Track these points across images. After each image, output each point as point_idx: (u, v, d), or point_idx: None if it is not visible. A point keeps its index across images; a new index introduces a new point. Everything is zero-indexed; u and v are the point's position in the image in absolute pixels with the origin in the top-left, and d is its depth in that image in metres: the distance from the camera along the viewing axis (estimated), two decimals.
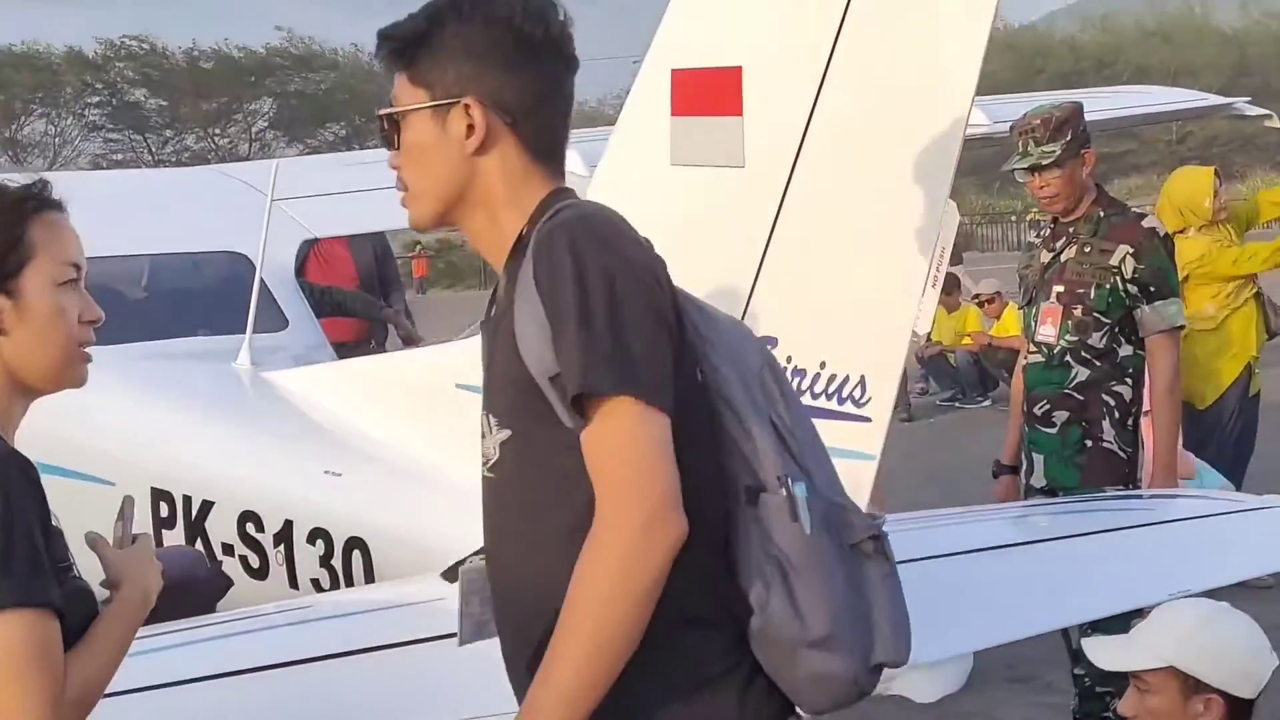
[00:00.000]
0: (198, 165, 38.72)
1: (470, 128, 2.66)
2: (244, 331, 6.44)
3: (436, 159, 2.69)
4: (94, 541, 2.89)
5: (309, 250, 9.36)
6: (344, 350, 8.74)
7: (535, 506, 2.64)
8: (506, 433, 2.67)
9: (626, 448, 2.46)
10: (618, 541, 2.42)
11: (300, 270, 9.30)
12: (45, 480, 6.55)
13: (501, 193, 2.69)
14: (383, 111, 2.73)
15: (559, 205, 2.65)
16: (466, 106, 2.65)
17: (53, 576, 2.59)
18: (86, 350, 2.84)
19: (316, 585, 5.23)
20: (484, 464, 2.76)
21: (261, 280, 6.61)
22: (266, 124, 48.28)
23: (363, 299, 9.50)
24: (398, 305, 10.65)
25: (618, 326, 2.48)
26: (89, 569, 2.81)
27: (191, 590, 4.61)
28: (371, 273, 10.36)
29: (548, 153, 2.74)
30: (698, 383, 2.61)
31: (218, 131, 47.24)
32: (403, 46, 2.70)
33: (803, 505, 2.57)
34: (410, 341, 9.76)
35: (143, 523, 5.78)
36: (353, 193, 8.00)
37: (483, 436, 2.75)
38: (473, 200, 2.70)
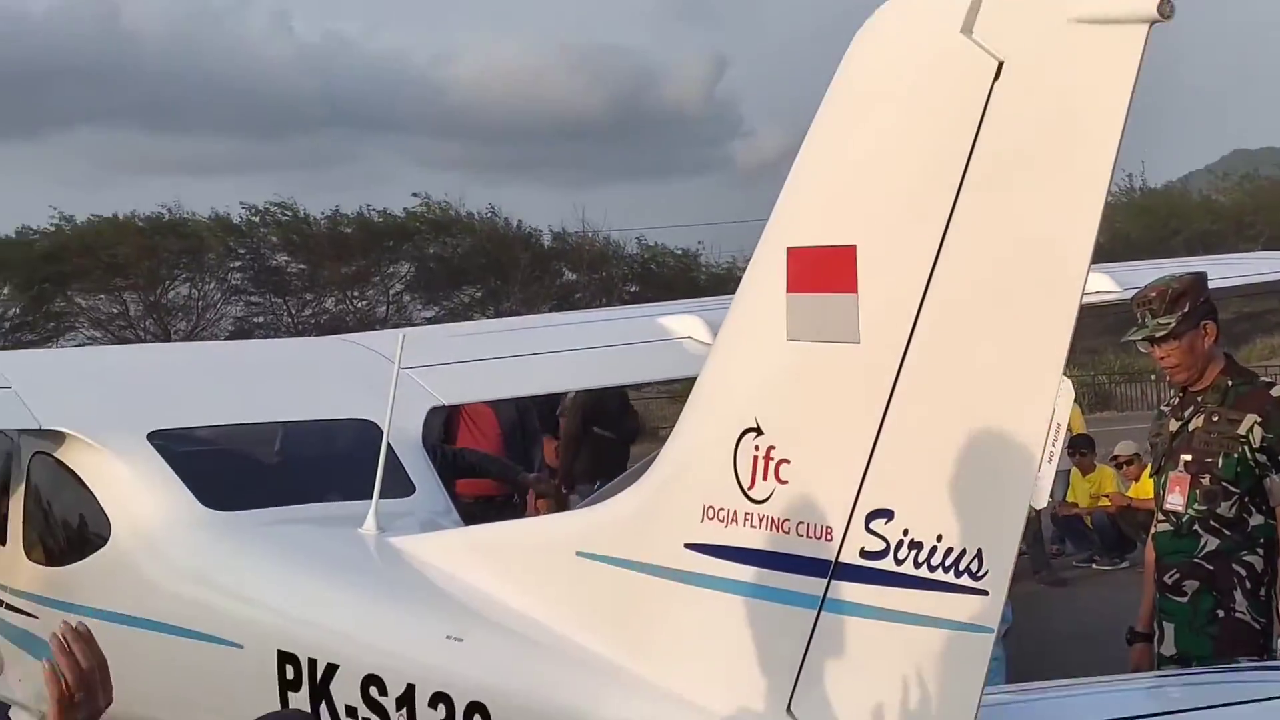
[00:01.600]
0: (336, 327, 39.42)
1: None
2: (371, 497, 6.53)
3: None
4: None
5: (454, 411, 9.54)
6: (485, 505, 8.86)
7: None
8: None
9: None
10: None
11: (447, 431, 9.47)
12: (175, 642, 6.67)
13: None
14: None
15: None
16: None
17: None
18: None
19: None
20: None
21: (389, 447, 6.71)
22: (404, 287, 48.99)
23: (499, 462, 9.63)
24: (539, 465, 10.81)
25: None
26: None
27: None
28: (515, 433, 10.54)
29: None
30: None
31: (356, 294, 48.01)
32: None
33: None
34: (549, 500, 9.89)
35: (268, 686, 5.86)
36: (478, 360, 8.13)
37: None
38: None
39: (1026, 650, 8.33)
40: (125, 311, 44.36)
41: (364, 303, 47.21)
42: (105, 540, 6.80)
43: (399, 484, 6.86)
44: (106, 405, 7.28)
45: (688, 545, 4.59)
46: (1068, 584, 14.88)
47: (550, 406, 11.85)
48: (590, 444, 11.05)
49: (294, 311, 46.48)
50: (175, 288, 46.24)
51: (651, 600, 4.75)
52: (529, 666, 5.12)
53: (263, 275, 47.24)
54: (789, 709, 4.27)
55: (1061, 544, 16.42)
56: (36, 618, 7.21)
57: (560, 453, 11.50)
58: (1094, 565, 15.86)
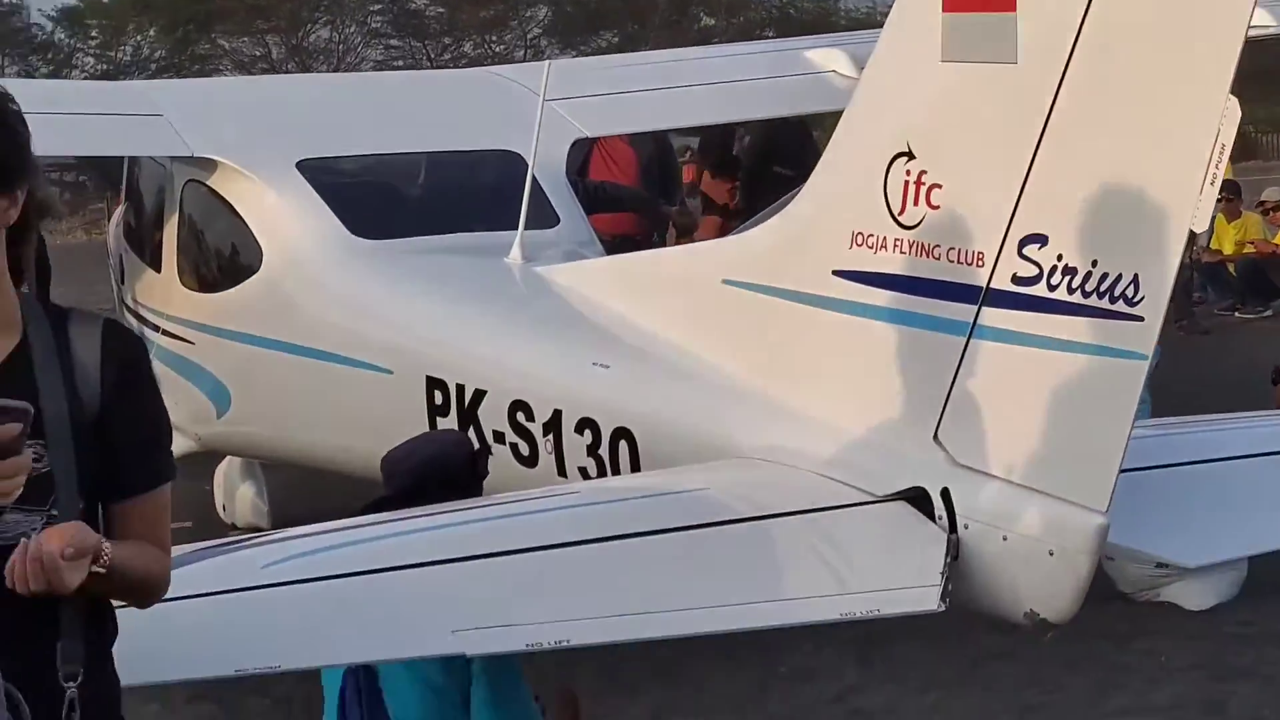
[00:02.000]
0: None
1: None
2: (516, 228, 6.56)
3: None
4: None
5: (591, 146, 9.49)
6: (624, 243, 8.88)
7: None
8: None
9: None
10: None
11: (583, 166, 9.44)
12: (325, 368, 6.80)
13: None
14: None
15: None
16: None
17: None
18: None
19: (584, 474, 5.35)
20: None
21: (533, 178, 6.71)
22: (541, 31, 48.53)
23: (639, 195, 9.58)
24: (678, 200, 10.73)
25: None
26: None
27: (449, 472, 4.71)
28: (653, 168, 10.45)
29: None
30: None
31: (494, 38, 47.64)
32: None
33: None
34: (688, 236, 9.84)
35: (417, 410, 5.98)
36: (624, 93, 8.08)
37: None
38: None
39: (1169, 397, 8.28)
40: (267, 54, 44.49)
41: (502, 47, 46.86)
42: (256, 267, 6.91)
43: (543, 215, 6.88)
44: (257, 134, 7.33)
45: (835, 272, 4.58)
46: (1210, 332, 14.70)
47: (725, 147, 11.69)
48: (770, 182, 10.91)
49: (433, 55, 46.31)
50: (316, 31, 46.20)
51: (798, 327, 4.76)
52: (675, 393, 5.17)
53: (402, 18, 46.99)
54: (935, 436, 4.28)
55: (1204, 292, 16.17)
56: (191, 343, 7.38)
57: (741, 193, 11.37)
58: (1236, 314, 15.65)
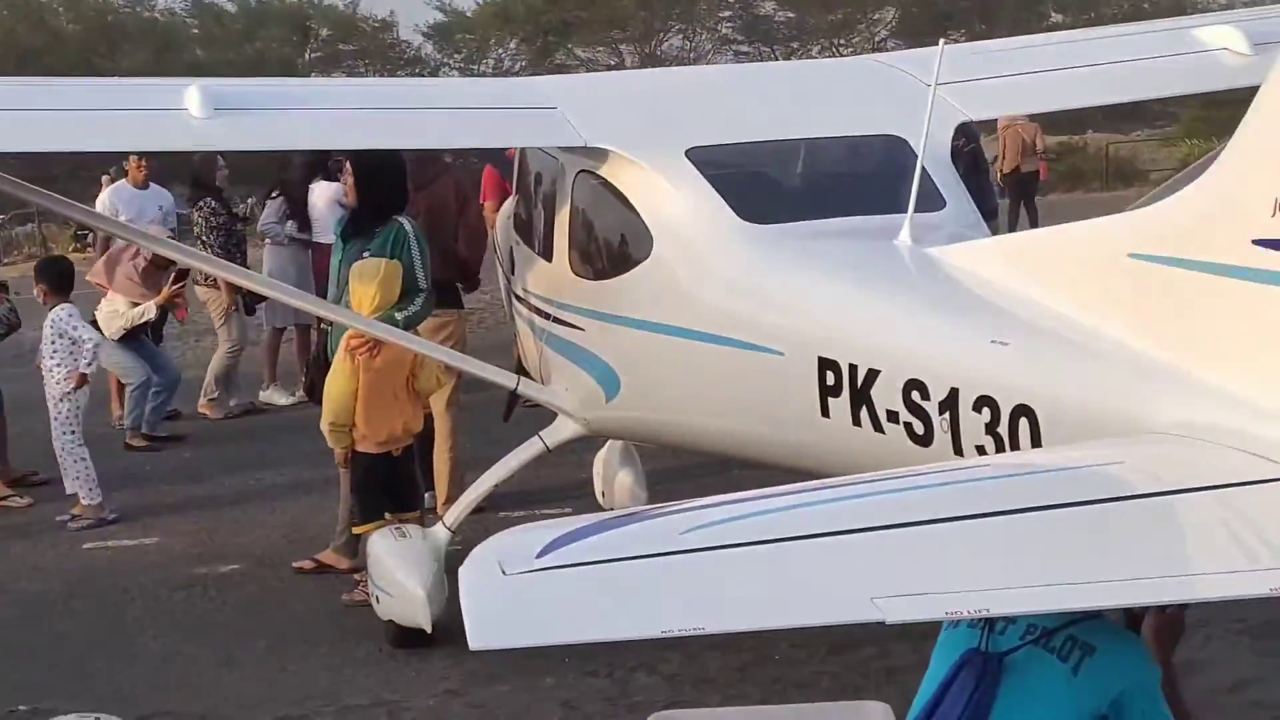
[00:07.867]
0: None
1: None
2: (901, 212, 6.55)
3: None
4: None
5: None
6: None
7: None
8: None
9: None
10: None
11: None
12: (717, 351, 6.86)
13: None
14: None
15: None
16: None
17: None
18: None
19: (980, 453, 5.31)
20: None
21: (922, 164, 6.70)
22: (889, 33, 48.38)
23: None
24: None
25: None
26: None
27: None
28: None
29: None
30: None
31: (841, 41, 47.69)
32: None
33: None
34: None
35: (808, 391, 6.03)
36: (1010, 76, 7.98)
37: None
38: None
39: None
40: (621, 63, 45.40)
41: (849, 50, 46.92)
42: (647, 254, 7.04)
43: (930, 198, 6.85)
44: (646, 124, 7.46)
45: (1256, 241, 4.44)
46: None
47: None
48: None
49: (781, 60, 46.72)
50: (668, 39, 46.97)
51: (1214, 300, 4.62)
52: (1079, 370, 5.10)
53: (751, 24, 47.49)
54: None
55: None
56: (582, 330, 7.57)
57: None
58: None
